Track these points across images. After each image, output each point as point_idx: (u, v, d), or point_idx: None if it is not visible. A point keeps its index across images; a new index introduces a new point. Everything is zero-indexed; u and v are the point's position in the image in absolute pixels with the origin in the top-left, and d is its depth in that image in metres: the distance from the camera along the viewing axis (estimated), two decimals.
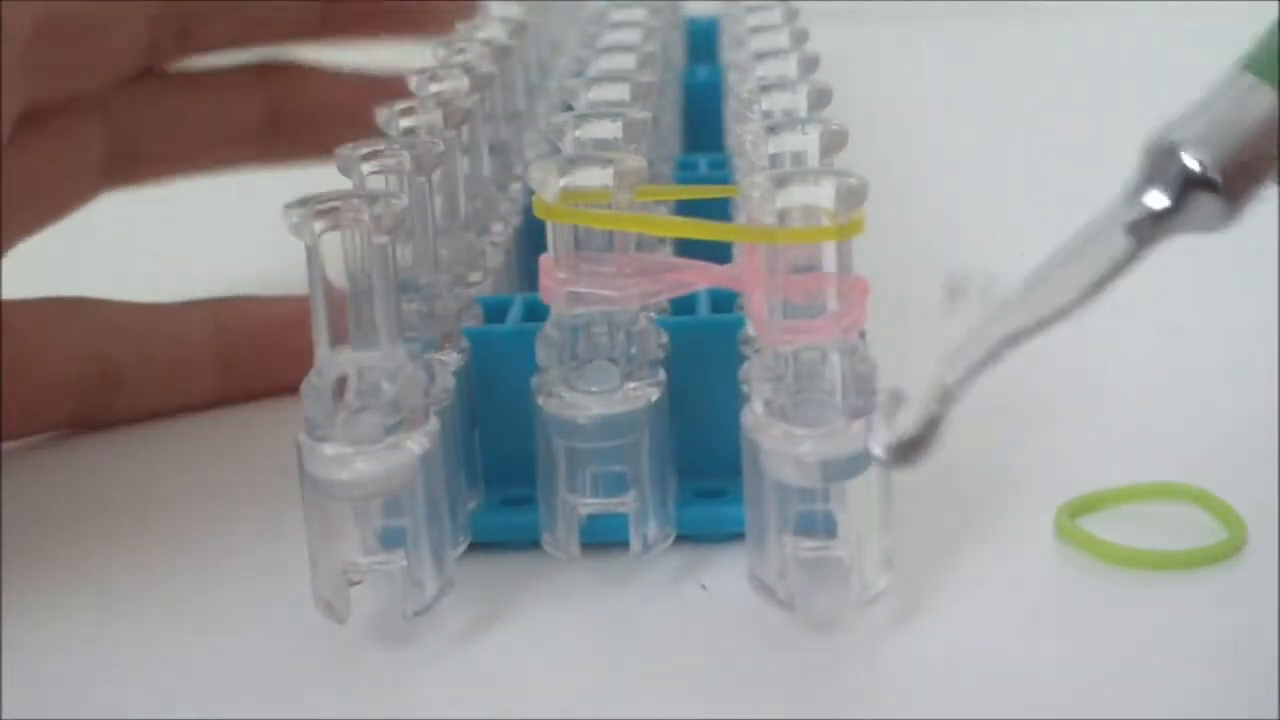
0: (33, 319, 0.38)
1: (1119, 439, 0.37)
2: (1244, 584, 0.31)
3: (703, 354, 0.32)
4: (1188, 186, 0.26)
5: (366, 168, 0.31)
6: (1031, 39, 0.75)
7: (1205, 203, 0.26)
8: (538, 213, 0.30)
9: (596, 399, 0.30)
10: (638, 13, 0.44)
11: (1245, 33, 0.27)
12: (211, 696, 0.29)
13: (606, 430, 0.30)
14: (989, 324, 0.29)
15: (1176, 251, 0.31)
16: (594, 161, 0.30)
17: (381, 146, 0.31)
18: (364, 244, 0.29)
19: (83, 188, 0.41)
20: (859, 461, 0.28)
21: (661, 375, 0.31)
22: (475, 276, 0.35)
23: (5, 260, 0.37)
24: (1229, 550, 0.32)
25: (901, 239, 0.50)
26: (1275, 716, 0.27)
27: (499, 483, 0.33)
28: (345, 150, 0.31)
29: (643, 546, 0.31)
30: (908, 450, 0.27)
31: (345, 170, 0.31)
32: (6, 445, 0.38)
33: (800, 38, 0.41)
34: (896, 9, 0.80)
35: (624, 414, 0.30)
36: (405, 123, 0.34)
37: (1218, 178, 0.25)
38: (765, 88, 0.33)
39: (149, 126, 0.41)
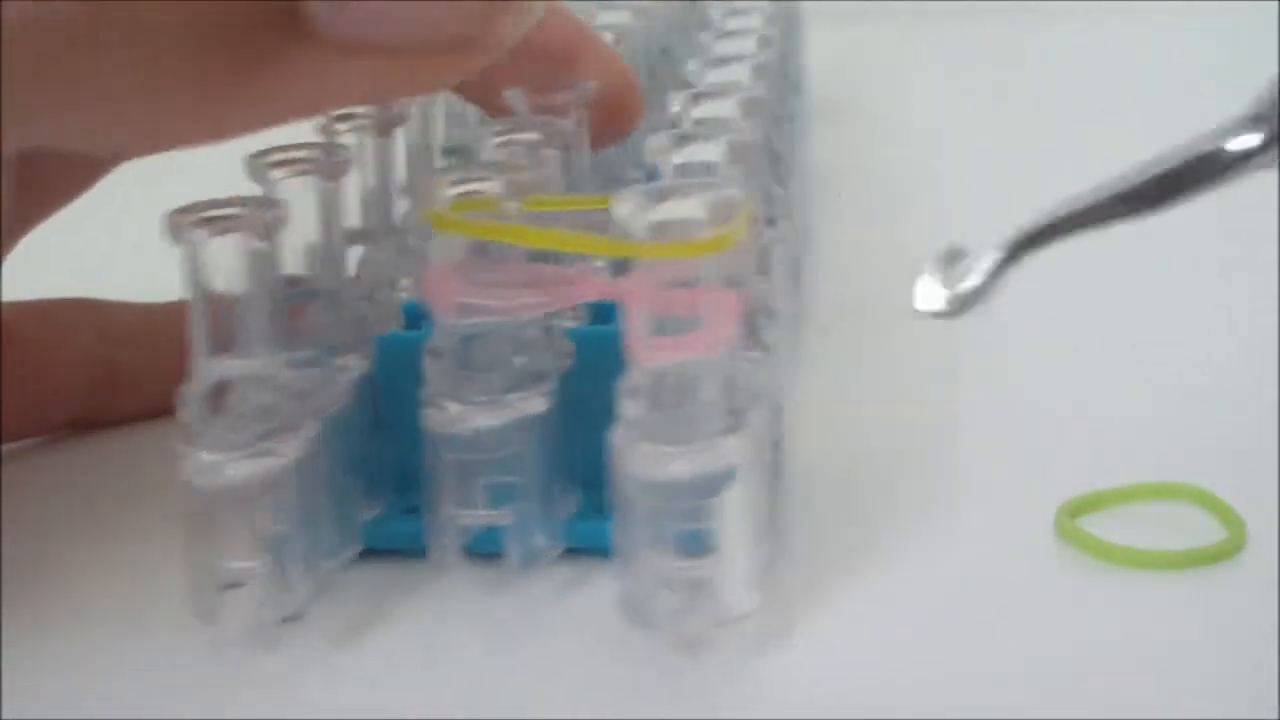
0: (34, 320, 0.37)
1: (1119, 439, 0.37)
2: (1244, 584, 0.31)
3: (608, 366, 0.30)
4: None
5: (275, 174, 0.31)
6: (1032, 39, 0.75)
7: None
8: (428, 222, 0.30)
9: (479, 410, 0.30)
10: (754, 20, 0.44)
11: (1246, 32, 0.27)
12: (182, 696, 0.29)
13: (486, 442, 0.30)
14: (1059, 203, 0.28)
15: (1176, 251, 0.31)
16: (487, 171, 0.30)
17: (290, 155, 0.31)
18: (240, 250, 0.29)
19: (85, 176, 0.41)
20: (722, 480, 0.28)
21: (550, 387, 0.30)
22: (405, 282, 0.35)
23: (6, 261, 0.37)
24: (1229, 550, 0.31)
25: (902, 239, 0.50)
26: (1275, 717, 0.27)
27: (404, 490, 0.33)
28: (254, 157, 0.31)
29: (521, 559, 0.31)
30: (968, 299, 0.28)
31: (253, 176, 0.31)
32: (7, 446, 0.38)
33: (765, 43, 0.41)
34: (897, 9, 0.80)
35: (503, 426, 0.30)
36: (342, 128, 0.34)
37: None
38: (696, 95, 0.33)
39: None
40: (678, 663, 0.28)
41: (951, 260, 0.28)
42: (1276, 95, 0.26)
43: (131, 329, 0.39)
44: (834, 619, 0.30)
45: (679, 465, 0.27)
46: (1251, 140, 0.26)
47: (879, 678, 0.28)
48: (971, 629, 0.30)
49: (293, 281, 0.32)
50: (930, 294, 0.27)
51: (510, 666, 0.29)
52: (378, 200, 0.35)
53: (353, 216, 0.35)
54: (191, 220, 0.29)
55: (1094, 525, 0.32)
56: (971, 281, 0.28)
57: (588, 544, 0.31)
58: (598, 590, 0.31)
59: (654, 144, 0.30)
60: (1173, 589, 0.31)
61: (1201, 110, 0.31)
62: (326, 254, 0.32)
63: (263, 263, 0.29)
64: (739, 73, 0.36)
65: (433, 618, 0.31)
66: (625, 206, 0.27)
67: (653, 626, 0.28)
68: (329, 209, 0.32)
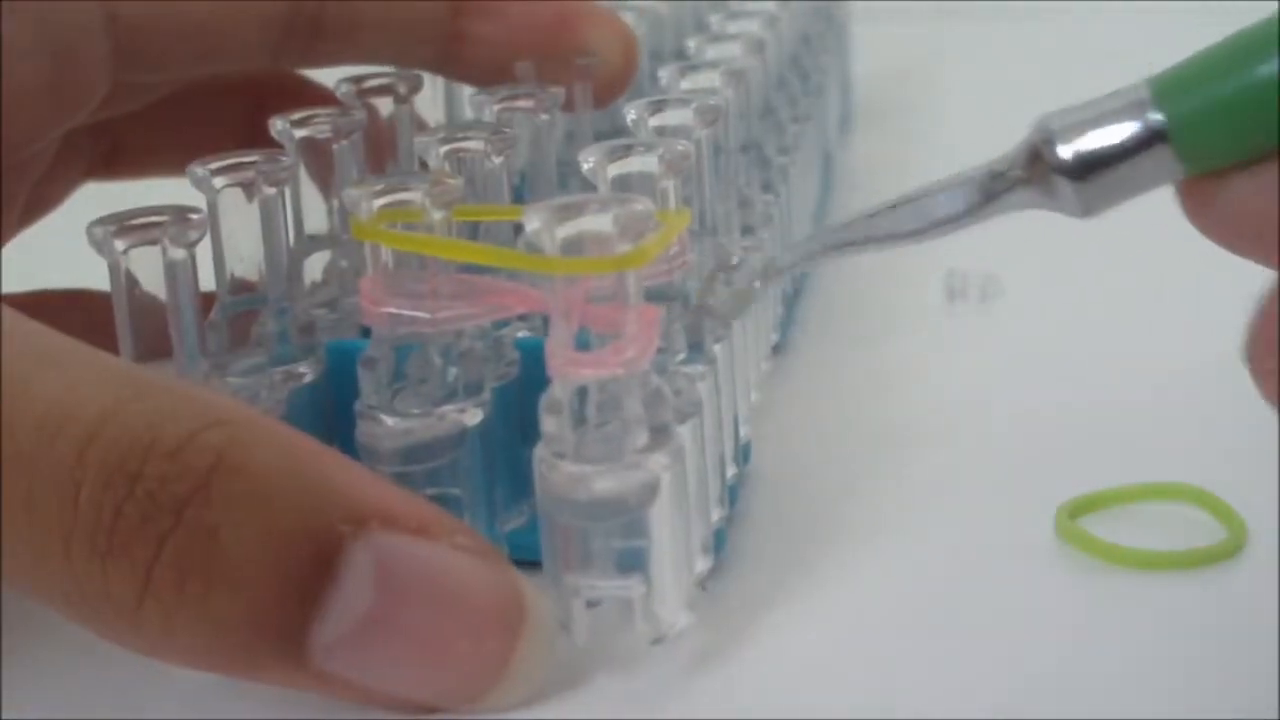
0: (27, 309, 0.38)
1: (1119, 439, 0.36)
2: (1244, 584, 0.30)
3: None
4: (1045, 169, 0.27)
5: (218, 181, 0.31)
6: (1034, 39, 0.75)
7: (1059, 187, 0.27)
8: (354, 232, 0.29)
9: (411, 423, 0.29)
10: (751, 24, 0.44)
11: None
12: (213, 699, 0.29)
13: (419, 455, 0.29)
14: (831, 230, 0.30)
15: (1176, 251, 0.31)
16: (411, 181, 0.29)
17: (233, 161, 0.31)
18: (161, 260, 0.29)
19: (66, 186, 0.41)
20: (646, 496, 0.27)
21: (486, 398, 0.30)
22: None
23: (5, 261, 0.37)
24: (1229, 550, 0.31)
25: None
26: (1275, 717, 0.27)
27: None
28: (197, 166, 0.31)
29: None
30: (719, 310, 0.30)
31: (198, 186, 0.31)
32: None
33: (756, 47, 0.41)
34: (898, 10, 0.80)
35: (436, 438, 0.29)
36: (300, 133, 0.34)
37: (1078, 172, 0.26)
38: (655, 104, 0.32)
39: (131, 125, 0.40)
40: (607, 680, 0.28)
41: (726, 275, 0.31)
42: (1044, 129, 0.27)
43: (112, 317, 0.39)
44: (829, 625, 0.30)
45: (598, 484, 0.27)
46: (1017, 172, 0.27)
47: (876, 678, 0.28)
48: (972, 629, 0.29)
49: (242, 289, 0.32)
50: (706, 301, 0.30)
51: None
52: (344, 206, 0.35)
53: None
54: (114, 230, 0.29)
55: (1094, 525, 0.32)
56: (724, 299, 0.31)
57: (535, 556, 0.29)
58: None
59: (589, 155, 0.30)
60: (1173, 589, 0.30)
61: None
62: (270, 262, 0.32)
63: (182, 271, 0.29)
64: (711, 79, 0.36)
65: None
66: (535, 220, 0.26)
67: (582, 644, 0.28)
68: (270, 217, 0.32)
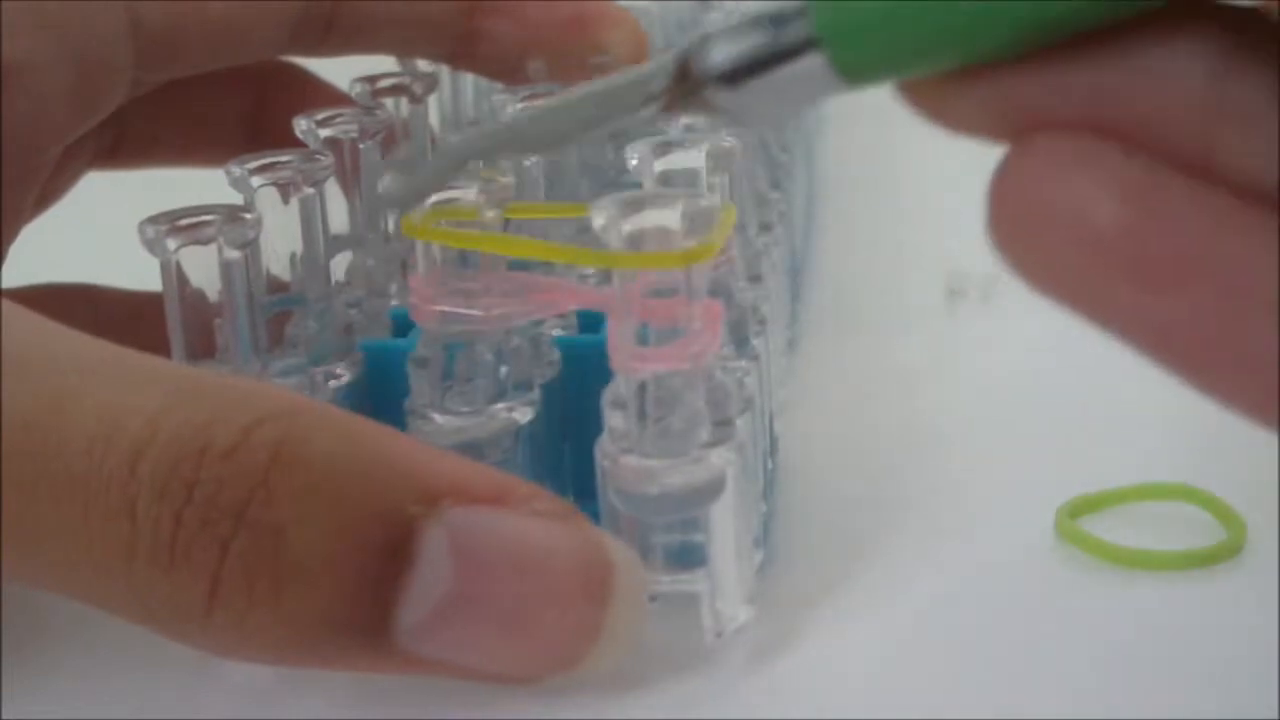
0: (31, 304, 0.37)
1: (1119, 439, 0.36)
2: (1244, 584, 0.30)
3: (597, 374, 0.29)
4: (691, 77, 0.25)
5: (255, 181, 0.31)
6: None
7: (711, 96, 0.25)
8: (404, 230, 0.29)
9: (463, 421, 0.29)
10: None
11: None
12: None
13: (472, 453, 0.29)
14: (500, 126, 0.29)
15: None
16: (459, 180, 0.29)
17: (270, 160, 0.31)
18: (215, 259, 0.29)
19: (70, 177, 0.41)
20: (711, 492, 0.27)
21: (536, 396, 0.30)
22: (393, 288, 0.35)
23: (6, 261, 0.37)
24: (1229, 550, 0.31)
25: (903, 239, 0.50)
26: (1275, 717, 0.27)
27: None
28: (234, 166, 0.31)
29: None
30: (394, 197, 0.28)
31: (235, 186, 0.31)
32: None
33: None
34: None
35: (489, 437, 0.29)
36: (325, 133, 0.34)
37: (726, 81, 0.25)
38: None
39: (135, 116, 0.40)
40: (672, 676, 0.28)
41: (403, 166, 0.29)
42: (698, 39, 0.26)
43: (129, 316, 0.39)
44: (832, 626, 0.30)
45: (667, 479, 0.27)
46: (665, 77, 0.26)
47: (878, 680, 0.28)
48: (972, 629, 0.29)
49: (277, 289, 0.32)
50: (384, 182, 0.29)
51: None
52: (365, 206, 0.35)
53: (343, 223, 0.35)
54: (165, 229, 0.28)
55: (1094, 525, 0.32)
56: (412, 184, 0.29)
57: None
58: None
59: (634, 151, 0.30)
60: (1173, 589, 0.30)
61: None
62: (309, 262, 0.32)
63: (237, 271, 0.29)
64: None
65: None
66: (601, 216, 0.26)
67: (645, 640, 0.27)
68: (309, 217, 0.31)
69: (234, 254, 0.29)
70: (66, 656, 0.30)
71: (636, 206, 0.26)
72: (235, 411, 0.26)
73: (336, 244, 0.34)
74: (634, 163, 0.29)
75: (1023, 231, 0.23)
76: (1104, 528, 0.32)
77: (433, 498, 0.26)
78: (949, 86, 0.24)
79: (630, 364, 0.27)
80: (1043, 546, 0.32)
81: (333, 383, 0.31)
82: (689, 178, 0.29)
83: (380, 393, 0.31)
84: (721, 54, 0.25)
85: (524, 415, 0.29)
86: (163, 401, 0.26)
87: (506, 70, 0.38)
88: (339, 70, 0.39)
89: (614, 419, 0.27)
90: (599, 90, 0.26)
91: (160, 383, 0.26)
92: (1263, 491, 0.33)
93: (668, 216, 0.26)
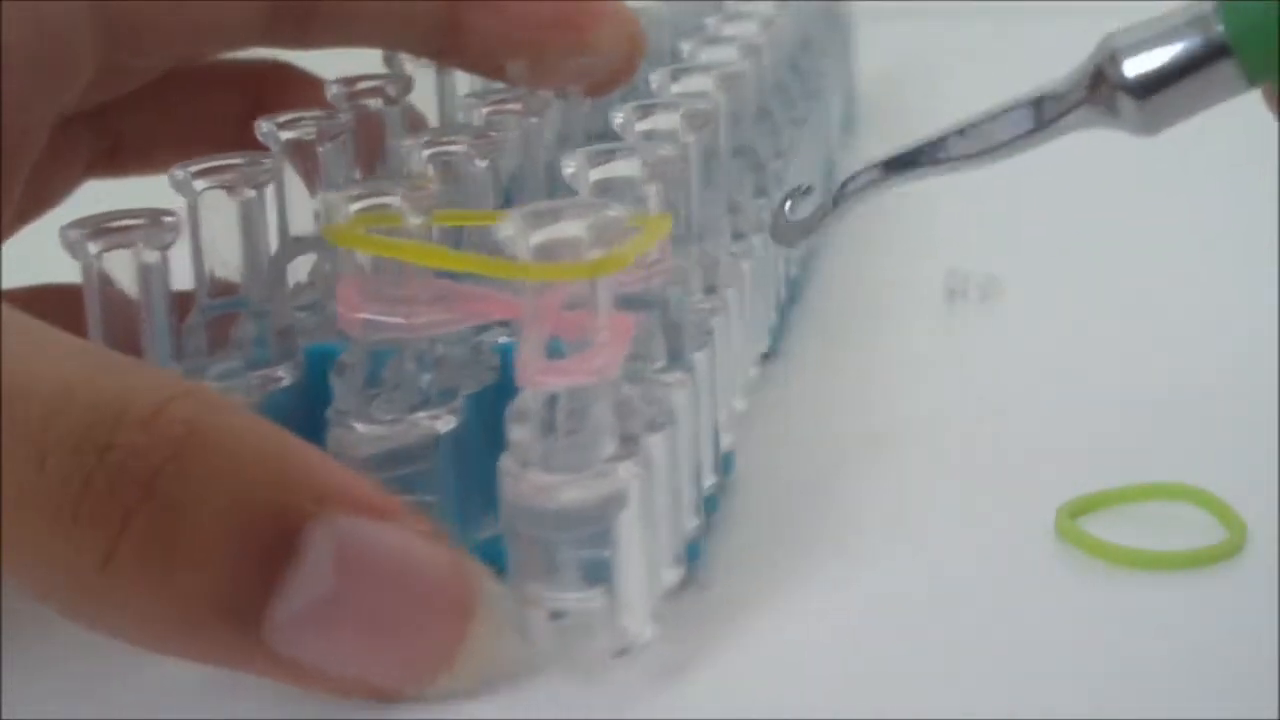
0: (23, 305, 0.37)
1: (1119, 439, 0.36)
2: (1244, 584, 0.30)
3: None
4: (1108, 88, 0.27)
5: (198, 184, 0.31)
6: (1043, 38, 0.75)
7: (1122, 104, 0.27)
8: (327, 236, 0.29)
9: (384, 429, 0.29)
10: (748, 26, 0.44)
11: None
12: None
13: (388, 461, 0.29)
14: (899, 154, 0.30)
15: (1177, 251, 0.31)
16: (389, 186, 0.29)
17: (216, 163, 0.31)
18: (135, 262, 0.29)
19: (67, 182, 0.41)
20: (613, 507, 0.27)
21: (459, 404, 0.30)
22: None
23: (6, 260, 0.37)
24: (1229, 550, 0.31)
25: (903, 239, 0.50)
26: (1275, 717, 0.26)
27: None
28: (177, 169, 0.31)
29: None
30: (796, 230, 0.31)
31: (178, 189, 0.31)
32: None
33: (750, 51, 0.40)
34: (905, 9, 0.80)
35: (406, 446, 0.29)
36: (286, 135, 0.34)
37: (1141, 90, 0.27)
38: (643, 107, 0.32)
39: (132, 120, 0.40)
40: (571, 693, 0.28)
41: (799, 196, 0.31)
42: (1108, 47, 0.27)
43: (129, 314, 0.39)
44: (833, 624, 0.30)
45: (565, 493, 0.26)
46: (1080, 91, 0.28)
47: (878, 679, 0.28)
48: (972, 629, 0.29)
49: (223, 291, 0.32)
50: (777, 219, 0.31)
51: None
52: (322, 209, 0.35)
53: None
54: (87, 233, 0.29)
55: (1094, 525, 0.32)
56: (800, 215, 0.31)
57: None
58: None
59: (571, 160, 0.29)
60: (1173, 589, 0.30)
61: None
62: (251, 264, 0.32)
63: (154, 274, 0.29)
64: (704, 83, 0.36)
65: None
66: (509, 227, 0.26)
67: (543, 656, 0.27)
68: (250, 219, 0.31)
69: (152, 256, 0.29)
70: (66, 656, 0.30)
71: (546, 218, 0.26)
72: (154, 384, 0.26)
73: (299, 246, 0.34)
74: (569, 171, 0.29)
75: None
76: (1104, 528, 0.32)
77: (323, 499, 0.26)
78: None
79: (533, 377, 0.26)
80: (1043, 546, 0.32)
81: (269, 386, 0.31)
82: (625, 186, 0.29)
83: (322, 396, 0.31)
84: (1135, 68, 0.26)
85: (446, 424, 0.29)
86: (83, 366, 0.26)
87: (493, 67, 0.38)
88: (339, 70, 0.39)
89: (515, 432, 0.27)
90: (999, 113, 0.28)
91: (86, 352, 0.27)
92: (1263, 491, 0.32)
93: (574, 227, 0.26)
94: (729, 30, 0.44)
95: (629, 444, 0.27)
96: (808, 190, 0.31)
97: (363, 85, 0.37)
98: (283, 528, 0.26)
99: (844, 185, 0.30)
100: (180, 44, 0.36)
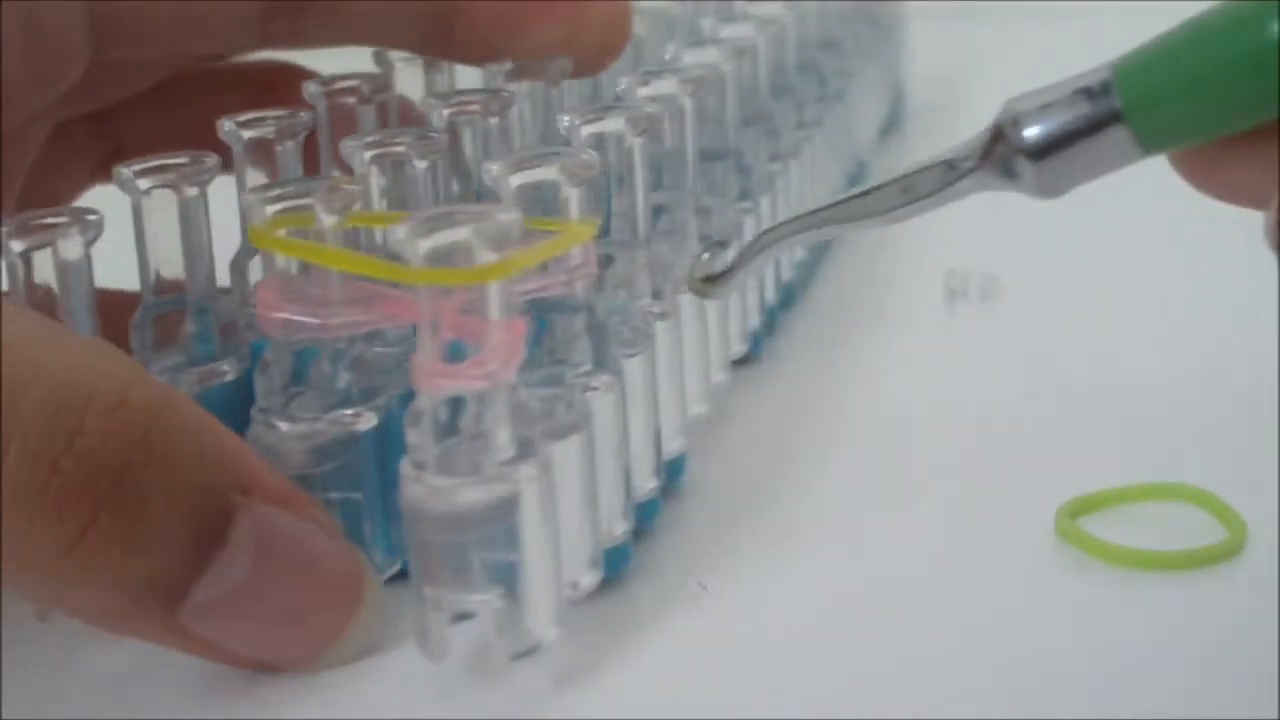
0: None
1: (1119, 439, 0.36)
2: (1244, 584, 0.30)
3: None
4: (1008, 150, 0.28)
5: (144, 183, 0.31)
6: (1036, 38, 0.75)
7: (1021, 167, 0.27)
8: (250, 238, 0.30)
9: (303, 427, 0.29)
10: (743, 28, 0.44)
11: None
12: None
13: (312, 460, 0.29)
14: (814, 210, 0.31)
15: (1176, 252, 0.31)
16: (310, 187, 0.29)
17: (160, 162, 0.31)
18: (60, 259, 0.29)
19: (72, 187, 0.41)
20: (498, 512, 0.27)
21: (380, 402, 0.30)
22: None
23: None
24: (1229, 550, 0.31)
25: (903, 239, 0.50)
26: (1275, 717, 0.26)
27: None
28: (123, 167, 0.31)
29: None
30: (715, 281, 0.31)
31: (123, 187, 0.31)
32: None
33: (739, 52, 0.40)
34: (959, 8, 0.79)
35: (324, 444, 0.29)
36: (248, 134, 0.34)
37: (1036, 153, 0.27)
38: (593, 113, 0.32)
39: (134, 124, 0.40)
40: (471, 694, 0.28)
41: (715, 250, 0.32)
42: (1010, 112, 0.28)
43: (119, 312, 0.39)
44: (830, 625, 0.30)
45: (458, 496, 0.26)
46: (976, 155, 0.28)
47: (877, 679, 0.28)
48: (971, 629, 0.29)
49: (169, 289, 0.32)
50: (691, 278, 0.32)
51: (303, 692, 0.28)
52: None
53: None
54: (9, 231, 0.29)
55: (1094, 525, 0.32)
56: (720, 268, 0.32)
57: None
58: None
59: (491, 166, 0.29)
60: (1173, 589, 0.30)
61: None
62: (191, 263, 0.32)
63: (74, 272, 0.29)
64: (671, 87, 0.35)
65: None
66: (400, 231, 0.26)
67: (444, 658, 0.27)
68: (190, 218, 0.32)
69: (73, 255, 0.29)
70: (66, 656, 0.30)
71: (437, 223, 0.26)
72: (113, 366, 0.27)
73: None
74: (490, 177, 0.29)
75: None
76: (1104, 528, 0.32)
77: (248, 490, 0.27)
78: (1224, 153, 0.25)
79: (427, 380, 0.27)
80: (1043, 546, 0.32)
81: (212, 380, 0.32)
82: (546, 191, 0.29)
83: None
84: (1034, 131, 0.27)
85: (367, 422, 0.30)
86: (47, 346, 0.27)
87: (484, 57, 0.38)
88: (339, 69, 0.39)
89: (411, 435, 0.27)
90: (908, 174, 0.28)
91: (51, 332, 0.27)
92: (1263, 491, 0.32)
93: (461, 233, 0.26)
94: (726, 32, 0.43)
95: (526, 447, 0.27)
96: (724, 243, 0.32)
97: (340, 85, 0.37)
98: (219, 514, 0.27)
99: (759, 237, 0.31)
100: (171, 39, 0.36)
